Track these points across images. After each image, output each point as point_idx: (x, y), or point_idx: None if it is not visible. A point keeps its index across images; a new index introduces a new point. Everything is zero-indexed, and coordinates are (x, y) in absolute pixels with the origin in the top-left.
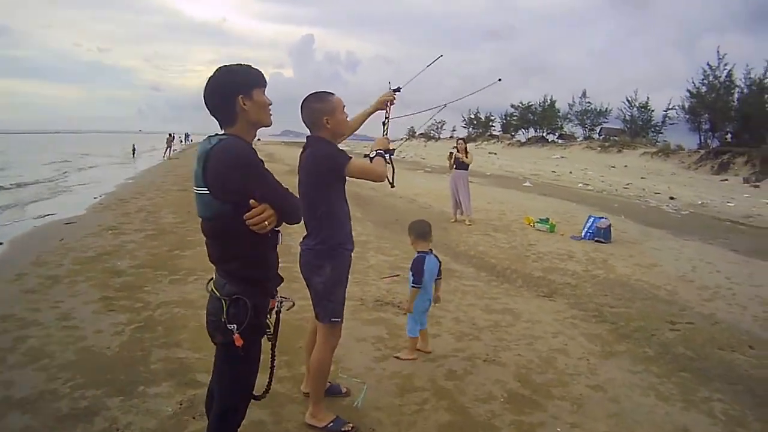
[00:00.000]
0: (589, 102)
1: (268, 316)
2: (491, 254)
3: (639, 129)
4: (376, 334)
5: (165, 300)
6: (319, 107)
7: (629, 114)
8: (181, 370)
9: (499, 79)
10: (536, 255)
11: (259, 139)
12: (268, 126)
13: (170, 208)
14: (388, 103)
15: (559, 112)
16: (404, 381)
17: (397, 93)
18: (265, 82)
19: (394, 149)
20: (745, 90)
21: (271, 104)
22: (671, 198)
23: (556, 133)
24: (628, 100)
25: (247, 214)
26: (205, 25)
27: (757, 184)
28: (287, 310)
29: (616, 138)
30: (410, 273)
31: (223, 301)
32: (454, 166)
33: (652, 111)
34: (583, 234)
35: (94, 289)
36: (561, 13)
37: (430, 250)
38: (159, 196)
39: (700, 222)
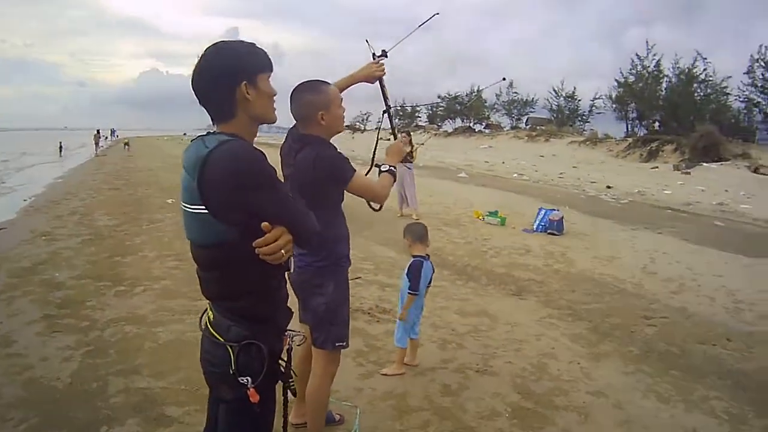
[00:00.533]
0: (515, 92)
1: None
2: (448, 251)
3: (566, 118)
4: (355, 348)
5: (113, 317)
6: (312, 99)
7: (556, 103)
8: (146, 403)
9: (503, 78)
10: (494, 250)
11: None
12: (272, 123)
13: (104, 209)
14: (382, 79)
15: (486, 102)
16: (399, 401)
17: (384, 60)
18: (272, 66)
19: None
20: (674, 79)
21: (275, 95)
22: (608, 187)
23: (483, 123)
24: (554, 90)
25: (259, 241)
26: (130, 19)
27: (688, 171)
28: (297, 345)
29: (542, 127)
30: (406, 278)
31: (229, 349)
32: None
33: (579, 100)
34: (535, 227)
35: (33, 305)
36: (488, 3)
37: (427, 255)
38: (91, 196)
39: (642, 211)
